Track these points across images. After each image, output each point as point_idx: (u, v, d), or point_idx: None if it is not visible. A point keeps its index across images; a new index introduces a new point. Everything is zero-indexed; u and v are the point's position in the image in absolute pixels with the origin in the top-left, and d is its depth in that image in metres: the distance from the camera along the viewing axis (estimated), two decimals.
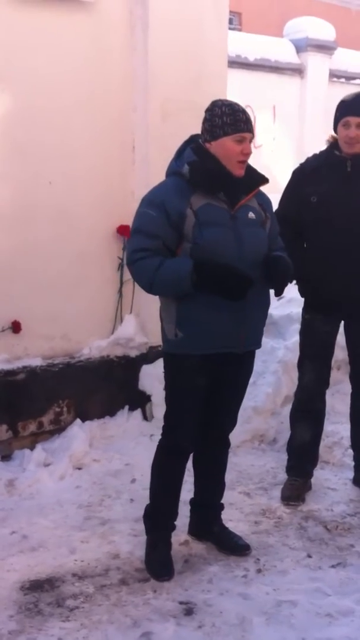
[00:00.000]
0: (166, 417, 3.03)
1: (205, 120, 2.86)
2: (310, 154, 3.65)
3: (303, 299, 3.69)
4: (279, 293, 2.95)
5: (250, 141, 2.84)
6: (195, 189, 2.78)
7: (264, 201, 2.99)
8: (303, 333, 3.67)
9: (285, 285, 2.92)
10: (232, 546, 3.17)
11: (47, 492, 3.66)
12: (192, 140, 2.92)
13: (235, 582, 2.95)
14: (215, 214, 2.79)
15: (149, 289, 2.83)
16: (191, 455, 3.13)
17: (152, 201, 2.82)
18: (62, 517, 3.44)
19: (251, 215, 2.89)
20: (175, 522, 3.10)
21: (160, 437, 3.09)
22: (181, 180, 2.82)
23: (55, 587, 2.89)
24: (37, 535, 3.26)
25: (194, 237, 2.75)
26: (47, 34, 3.98)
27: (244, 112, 2.82)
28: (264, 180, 2.94)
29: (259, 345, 3.05)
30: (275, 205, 3.62)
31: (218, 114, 2.81)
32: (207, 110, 2.86)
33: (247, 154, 2.83)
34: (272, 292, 3.01)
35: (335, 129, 3.43)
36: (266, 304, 3.02)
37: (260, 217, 2.93)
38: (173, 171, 2.89)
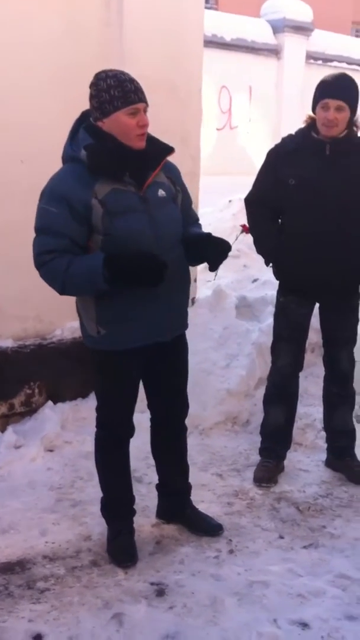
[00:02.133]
0: (98, 409, 2.95)
1: (91, 97, 2.63)
2: (285, 136, 3.61)
3: (278, 282, 3.67)
4: (213, 269, 2.84)
5: (145, 111, 2.62)
6: (97, 176, 2.57)
7: (172, 173, 2.81)
8: (277, 316, 3.66)
9: (220, 263, 2.81)
10: (204, 527, 3.16)
11: (19, 474, 3.62)
12: (85, 117, 2.70)
13: (207, 563, 2.95)
14: (123, 200, 2.60)
15: (61, 291, 2.65)
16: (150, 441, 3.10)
17: (52, 195, 2.59)
18: (34, 499, 3.41)
19: (161, 192, 2.71)
20: (134, 507, 3.07)
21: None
22: (80, 166, 2.59)
23: (26, 569, 2.87)
24: (8, 517, 3.23)
25: (105, 228, 2.57)
26: (17, 10, 3.88)
27: (131, 80, 2.60)
28: (168, 150, 2.74)
29: (185, 328, 2.94)
30: (249, 187, 3.61)
31: (104, 87, 2.58)
32: (92, 85, 2.63)
33: (144, 125, 2.61)
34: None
35: (313, 110, 3.37)
36: (187, 283, 2.90)
37: (171, 192, 2.77)
38: (70, 157, 2.67)
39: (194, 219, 2.96)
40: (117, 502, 3.03)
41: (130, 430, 2.96)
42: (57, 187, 2.61)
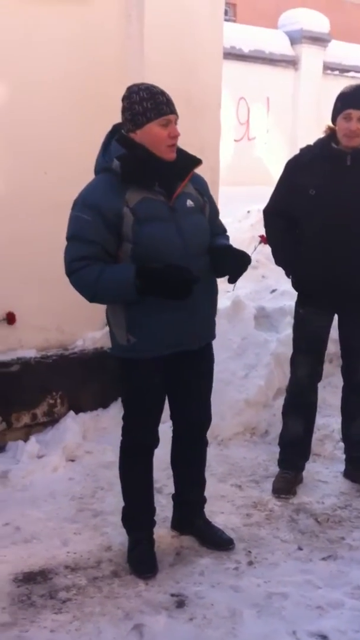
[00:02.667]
0: (124, 418, 2.97)
1: (124, 110, 2.71)
2: (303, 146, 3.61)
3: (296, 292, 3.68)
4: (233, 281, 2.88)
5: (175, 122, 2.70)
6: (128, 185, 2.65)
7: (200, 184, 2.88)
8: (297, 327, 3.67)
9: (240, 276, 2.85)
10: (216, 541, 3.15)
11: (40, 484, 3.66)
12: (115, 131, 2.78)
13: (226, 575, 2.96)
14: (153, 209, 2.67)
15: (91, 300, 2.71)
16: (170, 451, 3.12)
17: (85, 204, 2.66)
18: (55, 509, 3.44)
19: (189, 203, 2.78)
20: (155, 518, 3.09)
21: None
22: (112, 176, 2.67)
23: (48, 579, 2.90)
24: (30, 527, 3.27)
25: (134, 236, 2.63)
26: (40, 21, 3.96)
27: (162, 93, 2.69)
28: (197, 162, 2.81)
29: (212, 338, 2.98)
30: (267, 197, 3.63)
31: (136, 100, 2.66)
32: (124, 99, 2.71)
33: (175, 136, 2.69)
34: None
35: (334, 120, 3.38)
36: (214, 292, 2.94)
37: (199, 203, 2.83)
38: (102, 168, 2.74)
39: (221, 230, 3.01)
40: (138, 512, 3.05)
41: (155, 441, 2.98)
42: (90, 196, 2.68)
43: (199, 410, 3.07)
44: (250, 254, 2.92)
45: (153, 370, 2.82)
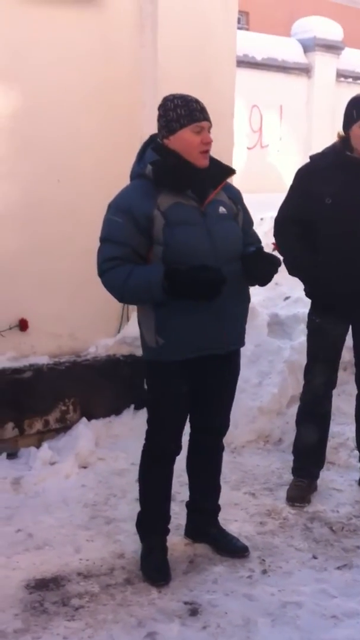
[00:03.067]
0: (149, 422, 2.97)
1: (159, 117, 2.78)
2: (313, 154, 3.58)
3: (310, 301, 3.66)
4: (263, 284, 2.90)
5: (209, 130, 2.75)
6: (161, 189, 2.70)
7: (233, 194, 2.91)
8: (313, 337, 3.63)
9: (271, 279, 2.87)
10: (230, 548, 3.14)
11: (53, 491, 3.65)
12: (151, 141, 2.84)
13: (240, 583, 2.94)
14: (184, 213, 2.72)
15: (120, 299, 2.79)
16: (185, 458, 3.11)
17: (118, 207, 2.73)
18: (68, 516, 3.43)
19: (222, 209, 2.81)
20: (169, 526, 3.08)
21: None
22: (146, 182, 2.73)
23: (61, 586, 2.89)
24: (43, 533, 3.26)
25: (165, 238, 2.68)
26: (55, 30, 3.98)
27: (197, 101, 2.75)
28: (230, 171, 2.87)
29: (242, 344, 2.99)
30: (274, 206, 3.60)
31: (171, 107, 2.73)
32: (160, 107, 2.78)
33: (208, 143, 2.74)
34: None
35: (346, 128, 3.36)
36: (245, 300, 2.96)
37: (232, 211, 2.86)
38: (137, 174, 2.81)
39: (255, 240, 3.02)
40: (153, 518, 3.04)
41: (177, 447, 2.99)
42: (123, 200, 2.75)
43: (219, 418, 3.08)
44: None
45: (180, 376, 2.83)
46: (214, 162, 2.83)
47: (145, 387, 2.98)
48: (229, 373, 3.01)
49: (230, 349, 2.90)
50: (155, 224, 2.68)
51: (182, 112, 2.71)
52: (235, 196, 2.92)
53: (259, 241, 3.03)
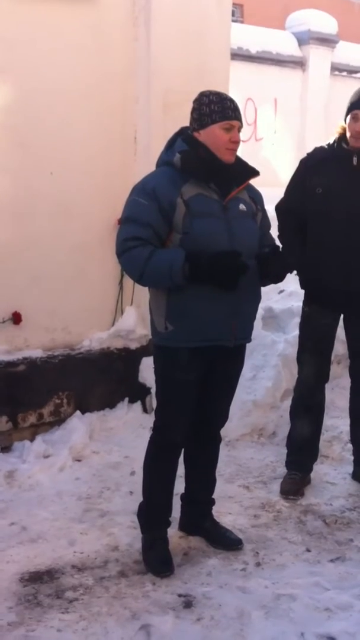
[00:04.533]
0: (158, 412, 3.00)
1: (193, 110, 2.83)
2: (311, 148, 3.63)
3: (303, 292, 3.68)
4: (276, 281, 2.96)
5: (239, 130, 2.81)
6: (186, 179, 2.75)
7: (255, 194, 2.97)
8: (302, 326, 3.67)
9: (283, 278, 2.93)
10: (225, 541, 3.16)
11: (47, 484, 3.66)
12: (182, 132, 2.89)
13: (234, 576, 2.95)
14: (206, 205, 2.76)
15: (139, 279, 2.79)
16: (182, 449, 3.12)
17: (143, 189, 2.77)
18: (62, 509, 3.44)
19: (242, 207, 2.86)
20: (170, 518, 3.09)
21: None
22: (172, 169, 2.78)
23: (55, 579, 2.89)
24: (37, 526, 3.26)
25: (184, 227, 2.72)
26: (48, 24, 3.96)
27: (231, 100, 2.80)
28: (254, 172, 2.91)
29: (249, 339, 3.03)
30: (274, 198, 3.62)
31: (206, 102, 2.78)
32: (195, 101, 2.83)
33: (236, 142, 2.80)
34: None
35: (345, 120, 3.39)
36: (257, 298, 3.00)
37: (252, 209, 2.91)
38: (164, 162, 2.86)
39: (270, 242, 3.05)
40: (157, 510, 3.05)
41: (185, 439, 3.00)
42: (149, 183, 2.79)
43: (219, 408, 3.10)
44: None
45: (188, 364, 2.84)
46: (240, 162, 2.88)
47: (154, 375, 3.01)
48: (233, 366, 3.03)
49: (239, 342, 2.93)
50: (177, 211, 2.72)
51: (215, 108, 2.76)
52: (257, 197, 2.97)
53: (275, 245, 3.07)
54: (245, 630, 2.61)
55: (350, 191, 3.37)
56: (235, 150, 2.83)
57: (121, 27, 4.29)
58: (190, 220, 2.71)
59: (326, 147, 3.50)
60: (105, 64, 4.24)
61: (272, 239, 3.11)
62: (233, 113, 2.78)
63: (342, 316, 3.64)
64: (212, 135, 2.78)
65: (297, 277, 3.68)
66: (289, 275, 3.72)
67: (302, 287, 3.67)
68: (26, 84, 3.92)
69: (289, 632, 2.59)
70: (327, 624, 2.64)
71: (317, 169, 3.44)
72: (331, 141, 3.50)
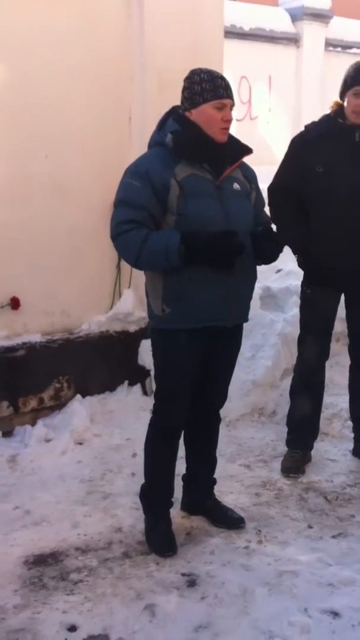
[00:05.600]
0: (157, 395, 3.00)
1: (184, 89, 2.80)
2: (308, 123, 3.57)
3: (302, 272, 3.66)
4: (267, 262, 2.95)
5: (231, 108, 2.78)
6: (179, 159, 2.73)
7: (249, 173, 2.94)
8: (304, 308, 3.64)
9: (276, 258, 2.92)
10: (227, 520, 3.17)
11: (49, 468, 3.68)
12: (173, 111, 2.86)
13: (237, 554, 2.97)
14: (200, 185, 2.73)
15: (134, 262, 2.78)
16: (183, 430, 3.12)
17: (136, 171, 2.75)
18: (65, 492, 3.46)
19: (236, 186, 2.84)
20: (172, 499, 3.10)
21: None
22: (164, 150, 2.76)
23: (59, 561, 2.91)
24: (40, 510, 3.28)
25: (179, 208, 2.70)
26: (40, 3, 3.91)
27: (222, 78, 2.77)
28: (247, 150, 2.88)
29: (246, 319, 3.02)
30: (270, 177, 3.59)
31: (197, 81, 2.74)
32: (186, 79, 2.80)
33: (228, 120, 2.77)
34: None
35: (342, 96, 3.35)
36: (253, 277, 2.98)
37: (246, 189, 2.89)
38: (156, 142, 2.84)
39: (265, 220, 3.04)
40: (159, 491, 3.06)
41: (184, 421, 3.01)
42: (142, 165, 2.77)
43: (218, 388, 3.11)
44: None
45: (187, 345, 2.84)
46: (233, 140, 2.86)
47: (152, 358, 3.01)
48: (231, 347, 3.03)
49: (236, 322, 2.93)
50: (170, 192, 2.70)
51: (207, 86, 2.73)
52: (250, 175, 2.94)
53: (269, 222, 3.06)
54: (249, 607, 2.63)
55: (353, 168, 3.32)
56: (228, 129, 2.79)
57: (114, 5, 4.25)
58: (184, 201, 2.69)
59: (320, 123, 3.45)
60: (99, 42, 4.20)
61: (267, 217, 3.09)
62: (225, 91, 2.75)
63: (342, 296, 3.63)
64: (204, 115, 2.74)
65: (294, 256, 3.66)
66: (285, 254, 3.74)
67: (302, 267, 3.64)
68: (19, 65, 3.88)
69: (292, 607, 2.62)
70: (330, 599, 2.67)
71: (315, 147, 3.37)
72: (323, 118, 3.45)
